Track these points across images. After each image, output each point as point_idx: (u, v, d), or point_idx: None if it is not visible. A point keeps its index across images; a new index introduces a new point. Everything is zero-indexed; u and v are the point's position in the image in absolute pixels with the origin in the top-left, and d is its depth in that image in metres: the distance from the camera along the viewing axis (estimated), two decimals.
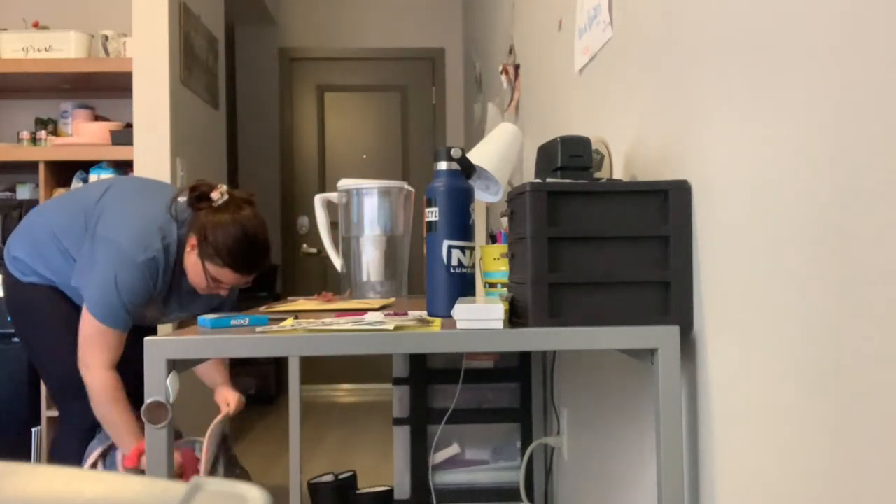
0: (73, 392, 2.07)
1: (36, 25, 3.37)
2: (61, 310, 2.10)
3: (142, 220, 2.00)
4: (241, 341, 1.12)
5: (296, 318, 1.41)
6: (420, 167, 5.40)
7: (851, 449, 0.78)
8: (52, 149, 3.16)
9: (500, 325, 1.14)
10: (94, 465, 2.10)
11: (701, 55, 1.12)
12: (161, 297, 2.07)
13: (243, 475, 2.34)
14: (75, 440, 2.10)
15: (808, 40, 0.84)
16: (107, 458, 2.10)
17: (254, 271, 2.00)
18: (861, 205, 0.75)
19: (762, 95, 0.94)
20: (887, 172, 0.71)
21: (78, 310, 2.07)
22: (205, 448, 2.10)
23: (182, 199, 2.04)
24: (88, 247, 2.02)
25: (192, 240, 1.98)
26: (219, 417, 2.08)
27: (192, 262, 2.00)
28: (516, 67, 2.71)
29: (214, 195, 1.97)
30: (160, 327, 2.67)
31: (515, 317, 1.25)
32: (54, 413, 3.09)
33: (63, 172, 3.26)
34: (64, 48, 3.22)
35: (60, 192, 3.19)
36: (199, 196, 1.98)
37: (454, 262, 1.36)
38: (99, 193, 2.09)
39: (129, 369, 2.10)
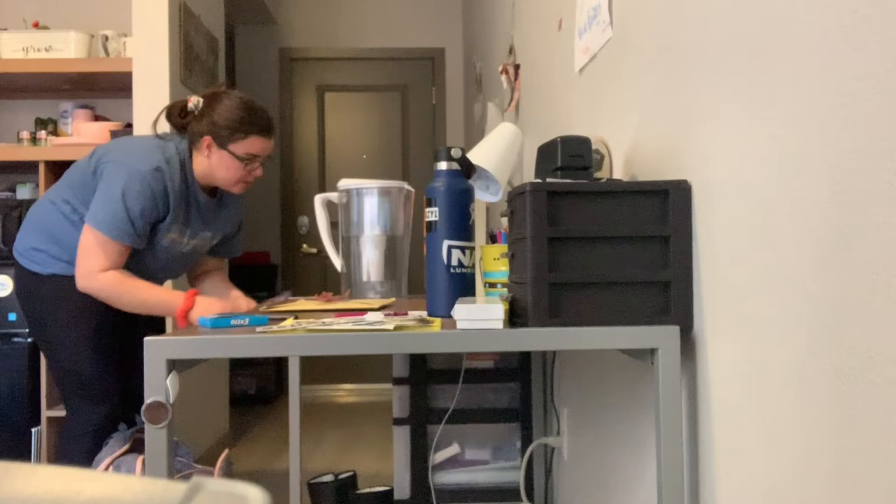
0: (85, 391, 2.05)
1: (36, 25, 3.37)
2: (81, 303, 2.06)
3: (138, 143, 2.05)
4: (241, 341, 1.12)
5: (296, 318, 1.41)
6: (420, 167, 5.40)
7: (851, 448, 0.78)
8: (52, 149, 3.16)
9: (500, 325, 1.14)
10: None
11: (701, 55, 1.12)
12: (181, 216, 2.07)
13: None
14: (82, 441, 2.07)
15: (807, 40, 0.84)
16: (121, 468, 2.07)
17: (272, 128, 2.10)
18: (861, 204, 0.75)
19: (762, 95, 0.94)
20: (887, 172, 0.71)
21: (98, 300, 2.06)
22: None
23: (162, 127, 2.11)
24: (94, 186, 2.02)
25: (204, 141, 2.05)
26: (224, 453, 2.08)
27: (217, 159, 2.05)
28: (516, 67, 2.71)
29: (190, 105, 2.08)
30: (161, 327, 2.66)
31: (515, 317, 1.25)
32: (54, 413, 3.09)
33: (63, 172, 3.25)
34: (64, 48, 3.22)
35: None
36: (179, 112, 2.09)
37: (454, 262, 1.36)
38: (89, 155, 2.11)
39: (138, 367, 2.11)
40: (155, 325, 2.30)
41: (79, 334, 2.05)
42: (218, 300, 2.04)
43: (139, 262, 2.09)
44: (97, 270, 1.95)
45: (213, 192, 2.19)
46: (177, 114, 2.09)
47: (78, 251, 1.97)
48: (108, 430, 2.07)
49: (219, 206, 2.21)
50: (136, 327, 2.23)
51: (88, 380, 2.04)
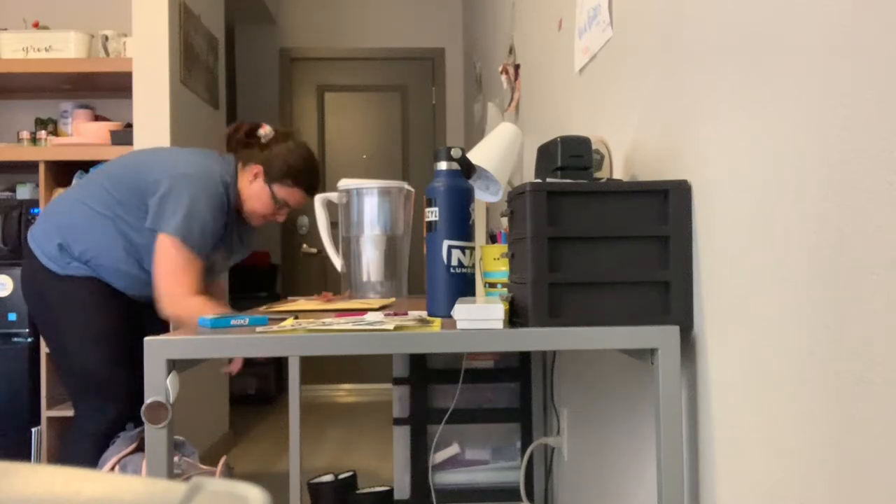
0: (95, 390, 2.04)
1: (36, 25, 3.37)
2: (93, 304, 2.05)
3: (201, 158, 2.08)
4: (241, 341, 1.12)
5: (296, 318, 1.41)
6: (420, 167, 5.40)
7: (852, 448, 0.78)
8: (52, 149, 3.16)
9: (500, 325, 1.14)
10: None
11: (701, 55, 1.12)
12: (227, 237, 2.11)
13: None
14: (90, 442, 2.06)
15: (807, 40, 0.84)
16: (128, 467, 2.06)
17: (316, 190, 2.17)
18: (861, 204, 0.75)
19: (762, 95, 0.94)
20: (887, 172, 0.71)
21: (116, 298, 2.05)
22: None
23: (221, 154, 2.14)
24: (155, 198, 1.99)
25: (255, 169, 2.10)
26: (222, 459, 2.09)
27: (258, 190, 2.10)
28: (516, 67, 2.71)
29: (262, 132, 2.13)
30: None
31: (515, 317, 1.25)
32: (54, 413, 3.09)
33: (63, 172, 3.26)
34: (64, 48, 3.22)
35: (60, 192, 3.19)
36: (248, 132, 2.13)
37: (454, 262, 1.36)
38: (122, 160, 2.10)
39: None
40: (161, 324, 2.29)
41: (90, 335, 2.04)
42: None
43: None
44: (187, 293, 1.95)
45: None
46: (244, 133, 2.13)
47: (160, 272, 1.95)
48: (116, 429, 2.06)
49: (247, 227, 2.27)
50: (143, 327, 2.22)
51: (99, 380, 2.03)
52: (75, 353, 2.05)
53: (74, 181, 3.18)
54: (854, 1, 0.76)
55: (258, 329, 1.20)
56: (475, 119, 4.28)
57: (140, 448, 2.07)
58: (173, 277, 1.95)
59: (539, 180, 1.19)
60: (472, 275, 1.39)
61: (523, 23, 2.65)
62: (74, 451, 2.07)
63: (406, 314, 1.43)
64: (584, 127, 1.82)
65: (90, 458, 2.06)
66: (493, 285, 1.56)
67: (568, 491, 2.16)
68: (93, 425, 2.06)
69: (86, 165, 3.26)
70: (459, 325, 1.14)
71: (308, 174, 2.12)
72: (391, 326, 1.19)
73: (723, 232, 1.06)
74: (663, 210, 1.16)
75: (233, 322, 1.27)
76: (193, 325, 1.91)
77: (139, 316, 2.17)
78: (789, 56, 0.88)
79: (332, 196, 2.23)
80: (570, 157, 1.27)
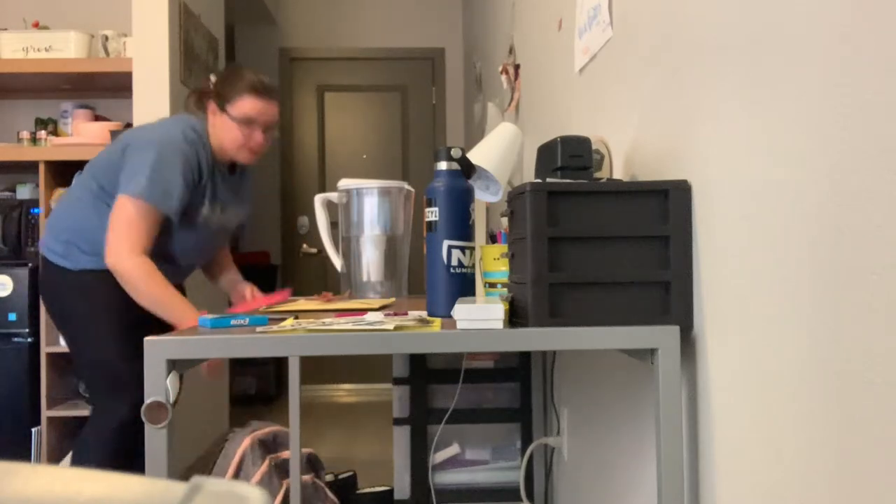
0: (112, 385, 2.03)
1: (36, 25, 3.37)
2: (107, 296, 2.04)
3: (162, 120, 2.11)
4: (241, 341, 1.12)
5: (296, 318, 1.41)
6: (420, 167, 5.40)
7: (851, 448, 0.78)
8: (52, 149, 3.16)
9: (500, 325, 1.14)
10: None
11: (701, 55, 1.12)
12: (211, 189, 2.10)
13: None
14: (103, 437, 2.04)
15: (807, 40, 0.84)
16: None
17: (269, 92, 2.12)
18: (861, 204, 0.75)
19: (762, 95, 0.94)
20: (887, 172, 0.71)
21: (117, 290, 2.04)
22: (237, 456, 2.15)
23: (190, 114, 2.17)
24: (122, 166, 2.02)
25: (210, 107, 2.12)
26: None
27: (220, 123, 2.10)
28: (516, 67, 2.71)
29: (210, 80, 2.17)
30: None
31: (515, 317, 1.25)
32: (54, 413, 3.09)
33: (63, 172, 3.26)
34: (64, 48, 3.22)
35: (60, 192, 3.19)
36: (201, 93, 2.16)
37: (454, 262, 1.36)
38: (114, 141, 2.13)
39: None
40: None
41: (105, 326, 2.04)
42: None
43: (168, 242, 2.08)
44: (130, 251, 1.93)
45: (233, 168, 2.23)
46: (199, 93, 2.18)
47: (111, 224, 1.95)
48: (132, 426, 2.04)
49: (240, 180, 2.27)
50: (154, 324, 2.19)
51: (116, 370, 2.02)
52: (90, 345, 2.05)
53: (74, 181, 3.18)
54: (854, 1, 0.76)
55: (258, 329, 1.20)
56: (475, 119, 4.28)
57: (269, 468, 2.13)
58: (120, 232, 1.94)
59: (539, 180, 1.19)
60: (472, 275, 1.39)
61: (523, 23, 2.65)
62: (85, 447, 2.05)
63: (406, 314, 1.43)
64: (584, 127, 1.82)
65: (100, 454, 2.03)
66: (493, 285, 1.56)
67: (568, 491, 2.16)
68: (109, 420, 2.04)
69: (86, 165, 3.26)
70: (459, 325, 1.14)
71: (245, 78, 2.08)
72: (391, 326, 1.19)
73: (723, 232, 1.06)
74: (663, 210, 1.16)
75: (233, 322, 1.27)
76: (129, 285, 1.94)
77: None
78: (789, 56, 0.88)
79: (332, 196, 2.23)
80: (570, 157, 1.27)
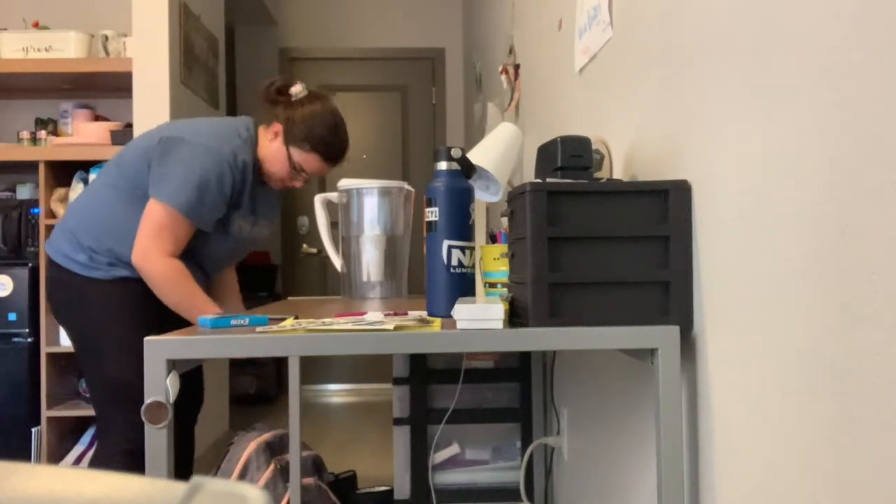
0: (123, 400, 1.89)
1: (36, 25, 3.37)
2: (128, 308, 1.92)
3: (212, 125, 1.95)
4: (241, 341, 1.12)
5: (296, 318, 1.41)
6: (420, 167, 5.40)
7: (851, 449, 0.78)
8: (52, 149, 3.16)
9: (500, 325, 1.14)
10: None
11: (701, 55, 1.12)
12: (249, 203, 2.00)
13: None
14: (116, 460, 1.89)
15: (807, 40, 0.84)
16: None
17: (338, 160, 2.02)
18: (861, 204, 0.75)
19: (762, 95, 0.94)
20: (888, 171, 0.71)
21: (153, 308, 1.93)
22: (245, 455, 2.14)
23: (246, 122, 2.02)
24: (158, 158, 1.87)
25: (275, 127, 1.97)
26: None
27: (276, 150, 1.98)
28: (516, 67, 2.71)
29: (294, 90, 1.99)
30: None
31: (515, 317, 1.25)
32: (54, 413, 3.09)
33: (63, 172, 3.26)
34: (64, 48, 3.22)
35: (60, 192, 3.19)
36: (277, 89, 1.99)
37: (454, 262, 1.36)
38: (148, 136, 1.96)
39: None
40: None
41: (123, 338, 1.90)
42: None
43: (199, 247, 1.96)
44: (161, 253, 1.83)
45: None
46: (275, 89, 2.00)
47: (142, 225, 1.84)
48: (142, 448, 1.88)
49: (273, 191, 2.15)
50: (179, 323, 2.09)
51: (129, 389, 1.88)
52: (112, 361, 1.90)
53: (74, 181, 3.18)
54: (853, 2, 0.76)
55: (258, 329, 1.20)
56: (475, 119, 4.28)
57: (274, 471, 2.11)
58: (150, 234, 1.83)
59: (539, 180, 1.19)
60: (472, 275, 1.39)
61: (523, 23, 2.65)
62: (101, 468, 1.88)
63: (406, 314, 1.43)
64: (584, 127, 1.82)
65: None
66: (493, 285, 1.56)
67: (568, 491, 2.16)
68: (121, 442, 1.90)
69: (86, 165, 3.26)
70: (459, 325, 1.14)
71: (328, 142, 1.96)
72: (391, 326, 1.19)
73: (723, 232, 1.06)
74: (663, 210, 1.16)
75: (233, 322, 1.27)
76: (159, 287, 1.84)
77: (170, 322, 2.02)
78: (789, 56, 0.88)
79: (332, 196, 2.23)
80: (570, 157, 1.27)
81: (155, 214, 1.84)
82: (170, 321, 1.97)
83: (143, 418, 1.09)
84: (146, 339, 1.11)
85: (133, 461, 1.90)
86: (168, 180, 1.85)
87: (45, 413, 3.07)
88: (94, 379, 1.94)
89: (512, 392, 2.36)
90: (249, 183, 1.97)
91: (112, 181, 1.96)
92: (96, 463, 1.94)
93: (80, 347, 1.96)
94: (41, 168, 3.14)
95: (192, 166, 1.85)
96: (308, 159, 1.98)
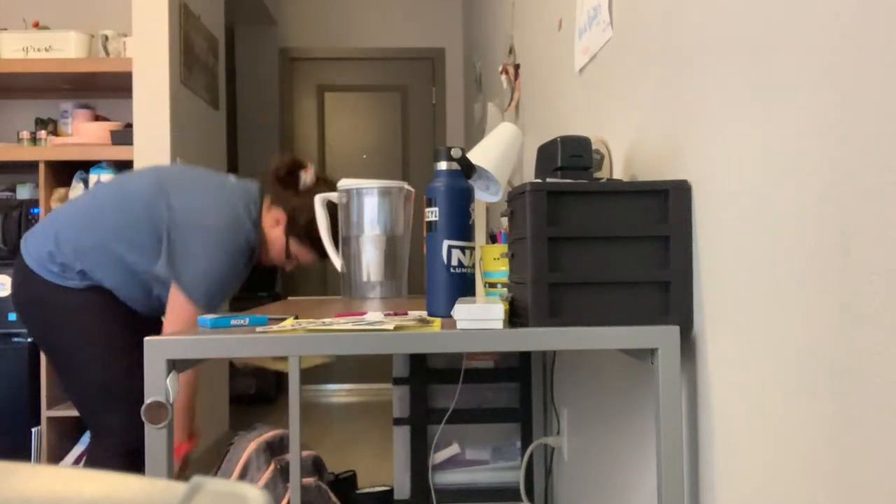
0: (112, 403, 1.90)
1: (36, 25, 3.37)
2: (107, 314, 1.95)
3: (221, 194, 1.97)
4: (241, 341, 1.12)
5: (296, 318, 1.41)
6: (420, 167, 5.40)
7: (851, 449, 0.78)
8: (52, 149, 3.16)
9: (500, 325, 1.14)
10: None
11: (701, 55, 1.12)
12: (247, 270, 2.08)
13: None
14: (112, 464, 1.90)
15: (807, 40, 0.84)
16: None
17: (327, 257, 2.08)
18: (861, 204, 0.75)
19: (762, 95, 0.94)
20: (888, 171, 0.71)
21: (127, 310, 1.98)
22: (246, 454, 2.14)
23: (253, 183, 2.05)
24: (168, 236, 1.91)
25: (278, 214, 2.03)
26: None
27: (275, 237, 2.05)
28: (516, 67, 2.71)
29: (304, 176, 2.03)
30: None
31: (515, 317, 1.25)
32: (54, 413, 3.09)
33: (63, 172, 3.26)
34: (64, 48, 3.22)
35: (60, 192, 3.19)
36: (289, 170, 2.03)
37: (454, 262, 1.36)
38: (150, 186, 1.96)
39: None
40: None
41: (103, 343, 1.92)
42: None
43: (165, 293, 1.98)
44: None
45: None
46: (286, 170, 2.03)
47: (169, 316, 1.91)
48: (138, 448, 1.92)
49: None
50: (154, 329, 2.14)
51: (119, 389, 1.90)
52: (90, 364, 1.91)
53: (74, 181, 3.18)
54: (853, 3, 0.76)
55: (258, 329, 1.20)
56: (475, 119, 4.28)
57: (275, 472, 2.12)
58: (177, 326, 1.91)
59: (539, 180, 1.19)
60: (472, 275, 1.39)
61: (523, 23, 2.65)
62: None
63: (406, 314, 1.43)
64: (584, 127, 1.82)
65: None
66: (493, 285, 1.56)
67: (568, 491, 2.16)
68: (110, 446, 1.91)
69: (86, 165, 3.26)
70: (459, 325, 1.14)
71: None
72: (391, 326, 1.18)
73: (723, 232, 1.06)
74: (663, 210, 1.16)
75: (233, 322, 1.27)
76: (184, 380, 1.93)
77: (145, 327, 2.07)
78: (789, 56, 0.88)
79: (332, 196, 2.23)
80: (570, 157, 1.27)
81: (185, 312, 1.91)
82: (140, 318, 2.05)
83: (143, 418, 1.09)
84: (146, 339, 1.11)
85: (130, 461, 1.92)
86: (192, 273, 1.90)
87: (45, 413, 3.07)
88: (78, 384, 1.94)
89: (512, 392, 2.36)
90: (254, 257, 2.06)
91: (111, 208, 1.95)
92: (90, 465, 1.94)
93: (57, 355, 1.95)
94: (41, 168, 3.14)
95: (217, 265, 1.91)
96: (304, 252, 2.08)
